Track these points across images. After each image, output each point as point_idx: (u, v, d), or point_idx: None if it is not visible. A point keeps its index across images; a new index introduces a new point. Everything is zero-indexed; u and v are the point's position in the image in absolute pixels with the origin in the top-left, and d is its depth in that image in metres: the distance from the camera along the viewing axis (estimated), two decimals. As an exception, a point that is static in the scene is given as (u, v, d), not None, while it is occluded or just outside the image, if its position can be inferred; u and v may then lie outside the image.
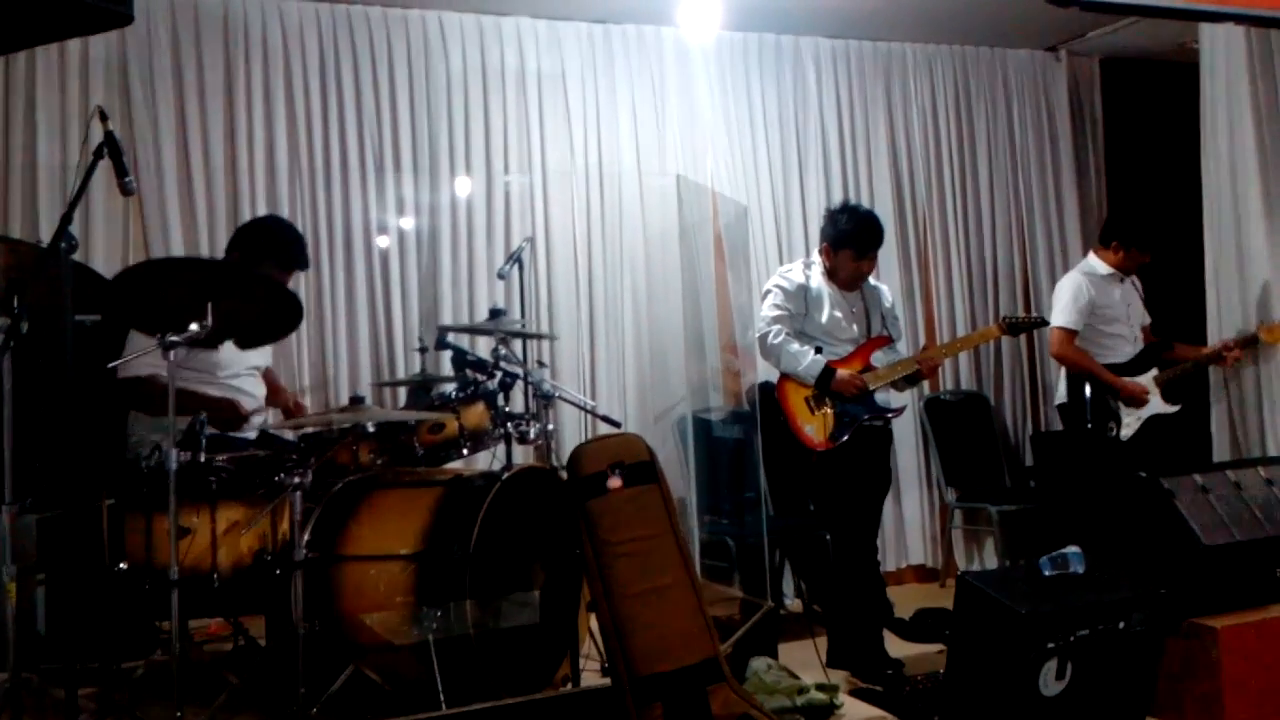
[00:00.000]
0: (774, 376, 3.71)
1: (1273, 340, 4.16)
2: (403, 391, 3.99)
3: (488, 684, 2.58)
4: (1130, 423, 4.15)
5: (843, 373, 3.55)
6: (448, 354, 3.54)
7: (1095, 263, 4.32)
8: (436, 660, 2.53)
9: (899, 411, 3.80)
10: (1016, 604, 2.69)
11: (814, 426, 3.54)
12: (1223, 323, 4.36)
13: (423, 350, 3.66)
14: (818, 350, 3.60)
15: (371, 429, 3.12)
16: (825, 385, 3.52)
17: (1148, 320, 4.37)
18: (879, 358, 3.66)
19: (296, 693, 2.52)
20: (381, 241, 4.36)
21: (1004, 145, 5.39)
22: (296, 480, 2.61)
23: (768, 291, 3.70)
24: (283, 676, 2.62)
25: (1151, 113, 5.54)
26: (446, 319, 4.27)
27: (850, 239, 3.58)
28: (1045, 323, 4.12)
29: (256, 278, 2.87)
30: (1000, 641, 2.72)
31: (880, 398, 3.63)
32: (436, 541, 2.67)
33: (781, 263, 4.68)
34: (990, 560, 5.06)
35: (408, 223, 4.40)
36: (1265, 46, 4.25)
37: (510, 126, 4.52)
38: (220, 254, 3.57)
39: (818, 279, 3.65)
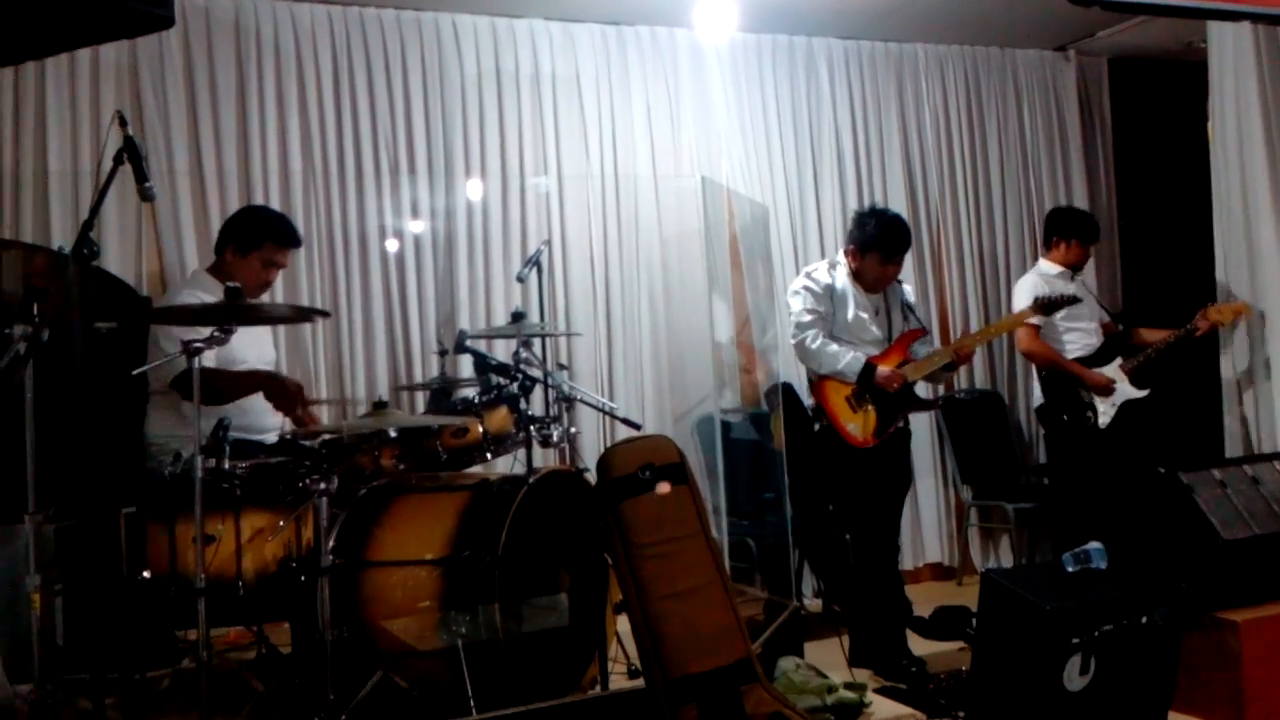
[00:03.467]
0: (791, 377, 3.68)
1: (1225, 320, 4.26)
2: (420, 396, 3.94)
3: (516, 689, 2.54)
4: (1106, 410, 4.26)
5: (883, 369, 3.57)
6: (466, 358, 3.50)
7: (1045, 265, 4.50)
8: (466, 665, 2.49)
9: (937, 403, 3.78)
10: (1041, 600, 2.68)
11: (857, 424, 3.57)
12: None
13: (442, 354, 3.63)
14: None
15: (394, 434, 3.08)
16: (867, 382, 3.55)
17: (1106, 317, 4.49)
18: (916, 350, 3.71)
19: (325, 699, 2.48)
20: (396, 245, 4.31)
21: (1014, 144, 5.39)
22: (322, 486, 2.57)
23: (795, 294, 3.71)
24: (309, 683, 2.58)
25: (1159, 111, 5.56)
26: (464, 323, 4.23)
27: (878, 243, 3.61)
28: (1077, 299, 4.13)
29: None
30: (1025, 637, 2.70)
31: (916, 391, 3.67)
32: (463, 546, 2.65)
33: (798, 263, 4.66)
34: (1006, 558, 5.04)
35: (423, 226, 4.35)
36: (1273, 45, 4.26)
37: (525, 129, 4.48)
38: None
39: (843, 279, 3.67)
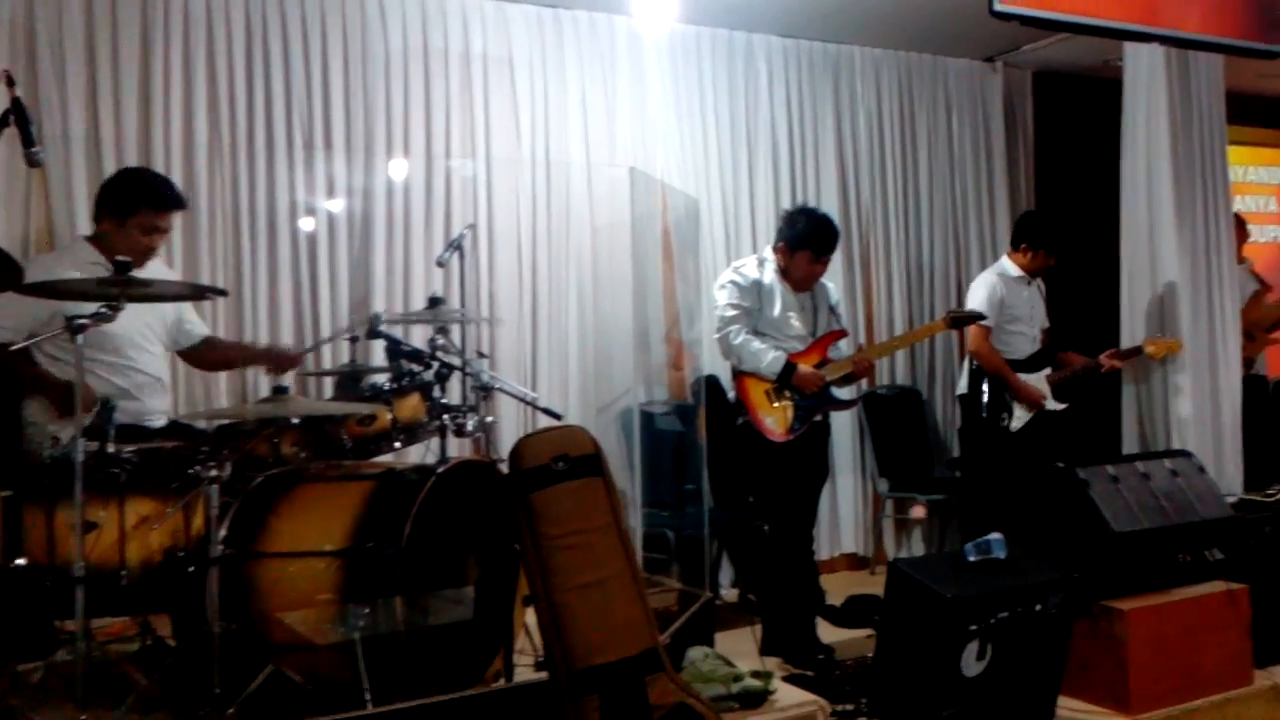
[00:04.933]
0: (717, 370, 3.67)
1: (1157, 354, 4.37)
2: (328, 382, 3.82)
3: (417, 682, 2.46)
4: (1021, 415, 4.35)
5: (803, 369, 3.61)
6: (380, 344, 3.39)
7: (1007, 265, 4.50)
8: (363, 659, 2.42)
9: (855, 403, 3.82)
10: (943, 588, 2.80)
11: (774, 419, 3.60)
12: (1133, 326, 4.51)
13: (353, 339, 3.49)
14: None
15: (295, 421, 2.96)
16: (787, 380, 3.59)
17: (1047, 324, 4.54)
18: (834, 351, 3.75)
19: (211, 693, 2.37)
20: (309, 224, 4.14)
21: (943, 150, 5.46)
22: (213, 473, 2.46)
23: (722, 287, 3.71)
24: (196, 677, 2.47)
25: (1078, 124, 5.72)
26: (379, 307, 4.07)
27: (808, 241, 3.64)
28: (983, 317, 4.20)
29: None
30: (927, 624, 2.83)
31: (834, 390, 3.71)
32: (365, 537, 2.56)
33: (730, 258, 4.63)
34: (918, 548, 5.16)
35: (338, 205, 4.19)
36: (1183, 66, 4.43)
37: (453, 109, 4.35)
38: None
39: (770, 276, 3.69)
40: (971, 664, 2.81)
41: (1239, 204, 6.81)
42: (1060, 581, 2.95)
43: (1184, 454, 3.65)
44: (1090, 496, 3.22)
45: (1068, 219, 4.55)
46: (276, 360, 3.45)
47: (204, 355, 3.49)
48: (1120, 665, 3.09)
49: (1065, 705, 3.06)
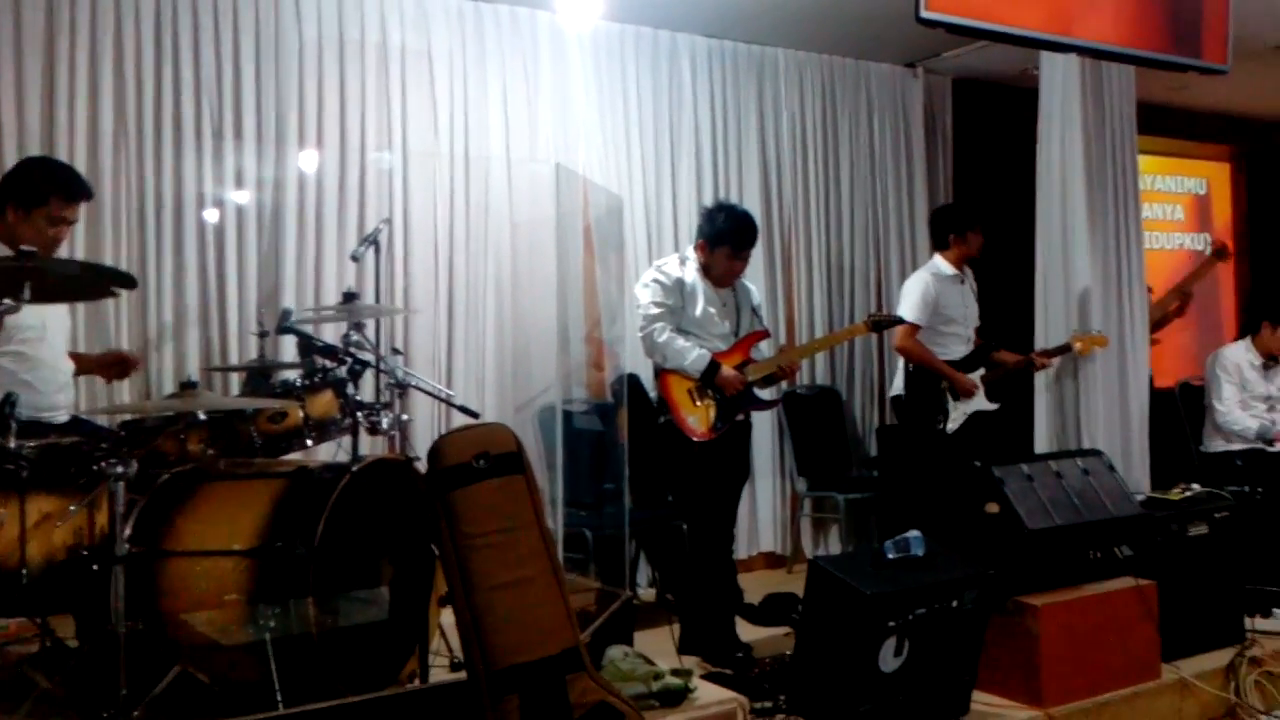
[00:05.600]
0: (639, 369, 3.73)
1: (1085, 351, 4.55)
2: (235, 378, 3.79)
3: (329, 684, 2.47)
4: (956, 417, 4.47)
5: (726, 370, 3.67)
6: (290, 339, 3.38)
7: (940, 263, 4.61)
8: (274, 660, 2.42)
9: (776, 403, 3.90)
10: (863, 585, 2.89)
11: (697, 417, 3.66)
12: (1048, 328, 4.71)
13: (262, 334, 3.48)
14: None
15: (203, 417, 2.95)
16: (710, 379, 3.65)
17: (979, 323, 4.68)
18: (756, 352, 3.82)
19: (116, 695, 2.35)
20: (217, 215, 4.10)
21: (864, 153, 5.61)
22: (119, 470, 2.43)
23: (645, 286, 3.77)
24: (100, 678, 2.45)
25: (996, 131, 5.93)
26: (289, 302, 4.06)
27: (727, 236, 3.70)
28: (904, 321, 4.34)
29: None
30: (846, 621, 2.92)
31: (756, 390, 3.77)
32: (276, 537, 2.55)
33: (652, 257, 4.71)
34: (835, 546, 5.28)
35: (248, 197, 4.15)
36: (1097, 77, 4.65)
37: (369, 101, 4.34)
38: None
39: (693, 274, 3.75)
40: (889, 660, 2.91)
41: (1148, 211, 7.17)
42: (976, 578, 3.07)
43: (1095, 453, 3.82)
44: (1005, 495, 3.34)
45: (983, 211, 4.70)
46: (111, 365, 3.38)
47: None
48: (1032, 659, 3.21)
49: (979, 699, 3.18)
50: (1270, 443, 4.65)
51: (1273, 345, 4.77)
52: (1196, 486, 3.97)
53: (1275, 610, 3.95)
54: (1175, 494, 3.89)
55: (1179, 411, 5.12)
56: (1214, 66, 4.19)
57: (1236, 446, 4.74)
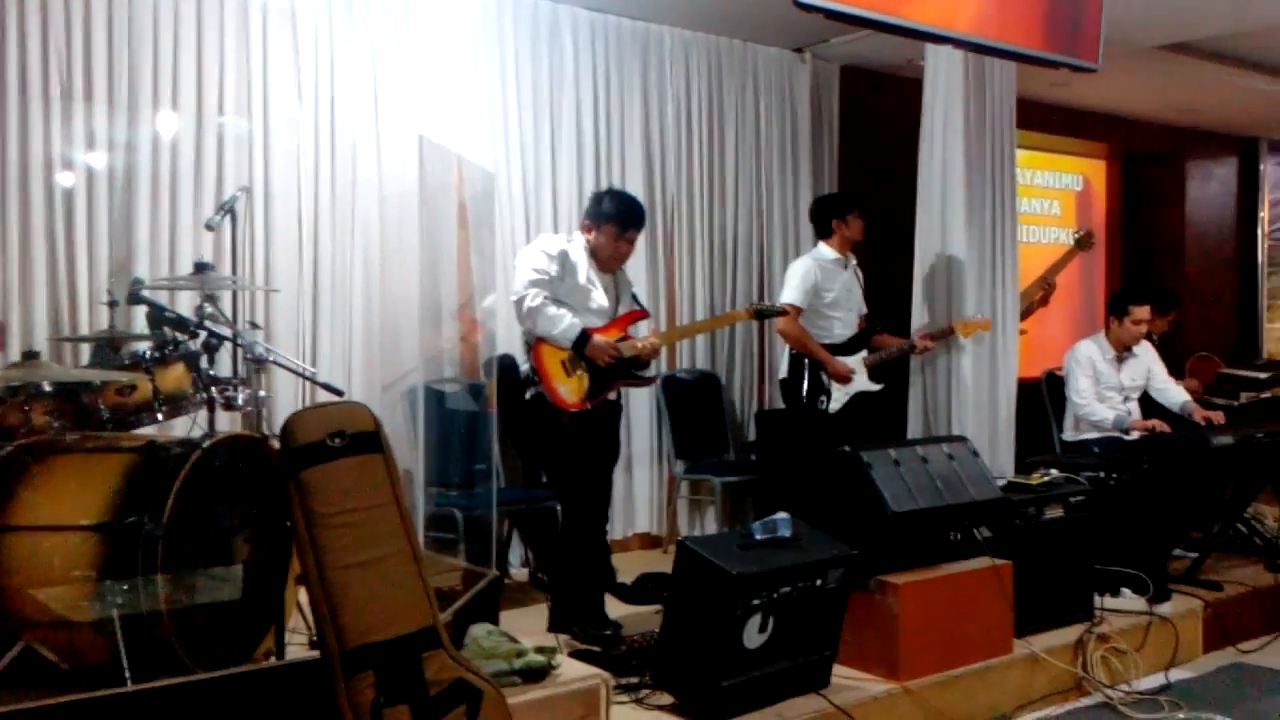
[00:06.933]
0: (513, 349, 3.82)
1: (967, 334, 4.87)
2: (85, 349, 3.77)
3: (181, 661, 2.53)
4: (839, 397, 4.73)
5: (598, 339, 3.78)
6: (143, 310, 3.39)
7: (824, 249, 4.85)
8: (122, 636, 2.46)
9: (652, 380, 4.02)
10: (728, 565, 3.08)
11: (569, 388, 3.77)
12: (924, 313, 5.03)
13: (112, 304, 3.47)
14: None
15: (49, 388, 2.95)
16: (581, 349, 3.75)
17: (865, 309, 4.93)
18: (635, 330, 3.97)
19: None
20: (65, 179, 4.05)
21: (750, 137, 5.80)
22: (-45, 441, 2.44)
23: (525, 255, 3.88)
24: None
25: (882, 119, 6.20)
26: (143, 271, 4.04)
27: (613, 217, 3.87)
28: (786, 312, 4.56)
29: None
30: (711, 600, 3.10)
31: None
32: (126, 512, 2.59)
33: (529, 235, 4.81)
34: (711, 528, 5.49)
35: (99, 160, 4.10)
36: (979, 70, 4.95)
37: (228, 62, 4.32)
38: None
39: (578, 251, 3.87)
40: (753, 636, 3.11)
41: (1026, 206, 7.63)
42: (841, 558, 3.30)
43: (960, 439, 4.10)
44: (871, 478, 3.57)
45: (866, 205, 4.96)
46: None
47: None
48: (891, 635, 3.47)
49: (840, 672, 3.42)
50: (1126, 432, 5.06)
51: (1124, 338, 5.17)
52: (1055, 472, 4.28)
53: (1124, 590, 4.30)
54: (1035, 479, 4.18)
55: (1044, 400, 5.51)
56: (1086, 65, 4.50)
57: (1094, 435, 5.14)
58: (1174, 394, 5.26)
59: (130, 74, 4.15)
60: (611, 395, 3.90)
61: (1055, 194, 8.07)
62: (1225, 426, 4.89)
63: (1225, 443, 4.55)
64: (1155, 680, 3.99)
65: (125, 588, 2.53)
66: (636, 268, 5.07)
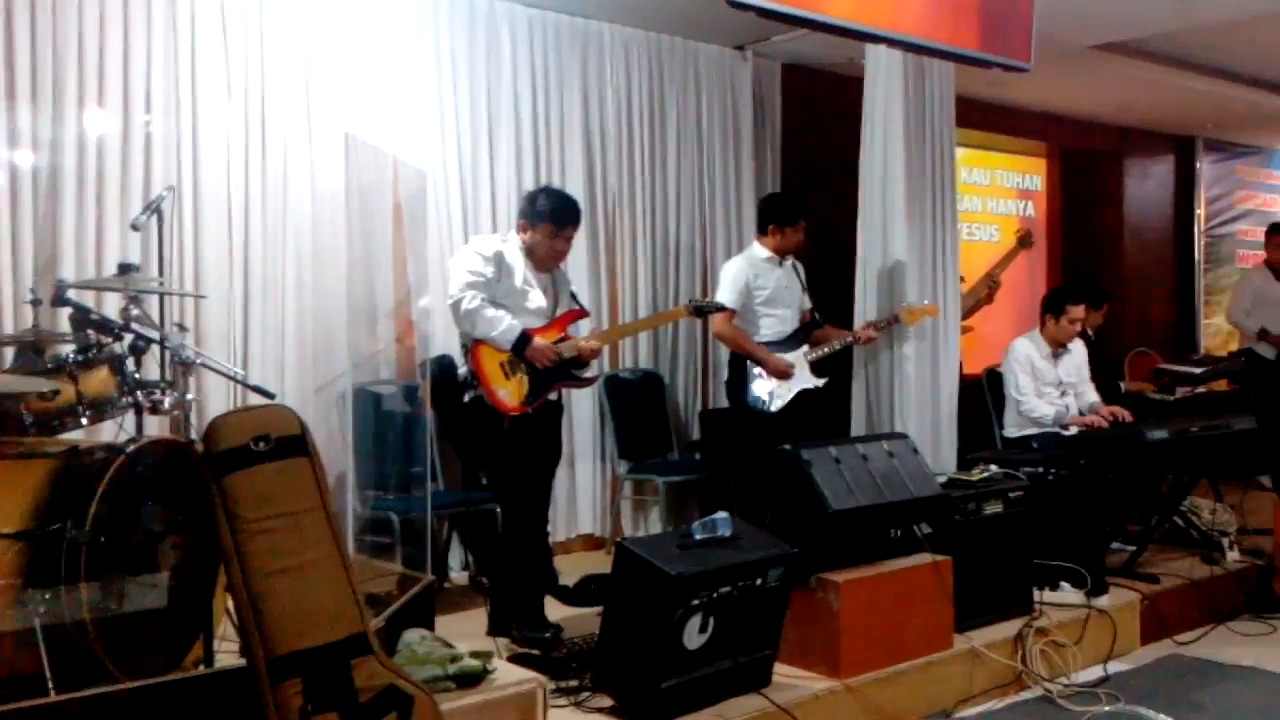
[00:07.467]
0: (450, 349, 3.82)
1: (912, 321, 4.96)
2: (9, 352, 3.71)
3: (107, 670, 2.52)
4: (781, 394, 4.75)
5: (538, 341, 3.80)
6: (65, 311, 3.35)
7: (756, 248, 4.91)
8: (46, 646, 2.44)
9: (592, 380, 4.05)
10: (667, 566, 3.10)
11: (508, 391, 3.77)
12: (867, 309, 5.12)
13: (36, 303, 3.42)
14: None
15: (-35, 393, 2.91)
16: (520, 350, 3.76)
17: (808, 304, 4.99)
18: (575, 330, 3.99)
19: None
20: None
21: (692, 135, 5.85)
22: None
23: (461, 257, 3.88)
24: None
25: (823, 117, 6.29)
26: (67, 271, 3.99)
27: (548, 215, 3.88)
28: (724, 307, 4.61)
29: None
30: (651, 601, 3.12)
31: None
32: (49, 519, 2.57)
33: (467, 235, 4.81)
34: (655, 528, 5.53)
35: (23, 159, 4.04)
36: (919, 70, 5.07)
37: (155, 58, 4.28)
38: None
39: (514, 252, 3.89)
40: (694, 637, 3.14)
41: (970, 204, 7.79)
42: (781, 556, 3.33)
43: (901, 436, 4.18)
44: (812, 476, 3.62)
45: (809, 201, 5.04)
46: None
47: None
48: (832, 633, 3.52)
49: (781, 671, 3.46)
50: (1065, 427, 5.18)
51: (1059, 335, 5.32)
52: (995, 468, 4.37)
53: (1063, 583, 4.39)
54: (975, 475, 4.26)
55: (985, 397, 5.62)
56: (1017, 64, 4.62)
57: (1033, 430, 5.26)
58: (1087, 396, 5.40)
59: (55, 71, 4.09)
60: (552, 396, 3.92)
61: (1002, 192, 8.24)
62: (1161, 421, 5.02)
63: (1160, 437, 4.66)
64: (1094, 673, 4.08)
65: (48, 596, 2.52)
66: (577, 267, 5.10)
